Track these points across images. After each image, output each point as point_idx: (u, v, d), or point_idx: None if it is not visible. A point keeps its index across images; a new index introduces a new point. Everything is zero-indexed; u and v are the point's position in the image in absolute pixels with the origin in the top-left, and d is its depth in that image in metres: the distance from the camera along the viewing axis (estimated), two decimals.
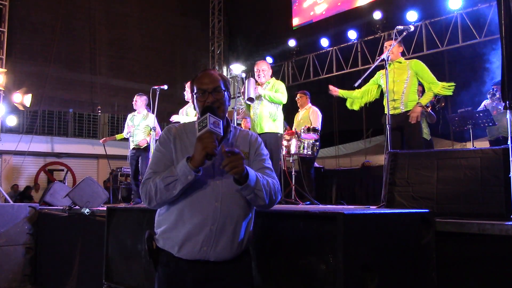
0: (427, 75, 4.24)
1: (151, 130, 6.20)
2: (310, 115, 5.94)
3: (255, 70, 4.86)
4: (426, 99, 4.26)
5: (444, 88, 4.20)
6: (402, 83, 4.24)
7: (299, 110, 6.22)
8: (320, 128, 5.70)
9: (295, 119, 6.24)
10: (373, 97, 4.54)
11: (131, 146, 6.24)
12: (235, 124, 5.22)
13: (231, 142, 1.88)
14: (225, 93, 1.87)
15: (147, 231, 1.90)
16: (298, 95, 6.24)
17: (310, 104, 6.15)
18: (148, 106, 6.48)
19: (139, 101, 6.32)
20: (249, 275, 1.91)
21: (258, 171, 1.83)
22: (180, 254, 1.77)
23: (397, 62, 4.32)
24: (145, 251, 1.88)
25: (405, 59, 4.35)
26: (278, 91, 4.71)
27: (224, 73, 14.18)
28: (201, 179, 1.74)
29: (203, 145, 1.65)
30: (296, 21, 11.25)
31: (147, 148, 6.20)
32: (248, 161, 1.88)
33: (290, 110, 5.24)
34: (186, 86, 5.55)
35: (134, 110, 6.41)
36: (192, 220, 1.75)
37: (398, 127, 4.18)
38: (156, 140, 5.63)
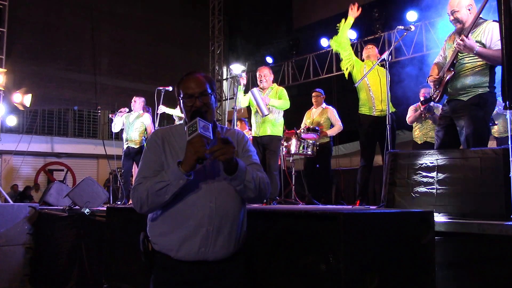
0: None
1: (145, 130, 6.25)
2: (329, 114, 5.96)
3: (257, 75, 5.13)
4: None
5: None
6: (385, 87, 4.25)
7: (312, 108, 6.21)
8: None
9: (307, 116, 6.22)
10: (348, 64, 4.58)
11: (125, 146, 6.26)
12: (235, 126, 5.30)
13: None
14: (212, 96, 1.88)
15: (141, 233, 1.90)
16: (314, 94, 6.24)
17: (325, 104, 6.16)
18: (147, 106, 6.51)
19: (138, 102, 6.36)
20: (245, 272, 1.94)
21: (247, 167, 1.87)
22: (178, 257, 1.77)
23: (373, 62, 4.43)
24: (141, 252, 1.88)
25: (381, 63, 4.32)
26: (281, 97, 4.92)
27: (224, 73, 14.18)
28: (194, 181, 1.75)
29: (194, 150, 1.67)
30: (296, 21, 11.24)
31: (141, 150, 6.23)
32: (237, 158, 1.90)
33: (291, 111, 5.32)
34: None
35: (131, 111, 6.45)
36: (188, 223, 1.76)
37: (378, 128, 4.30)
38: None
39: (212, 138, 1.73)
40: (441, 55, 3.54)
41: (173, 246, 1.77)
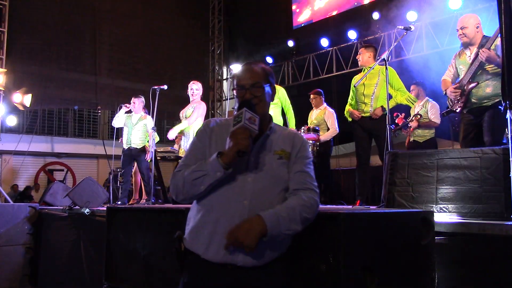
0: (396, 82, 4.43)
1: (147, 131, 6.23)
2: (325, 116, 5.93)
3: None
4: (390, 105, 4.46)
5: (408, 100, 4.49)
6: (372, 87, 4.44)
7: (313, 109, 6.20)
8: (338, 129, 5.87)
9: (309, 117, 6.22)
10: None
11: (126, 146, 6.25)
12: None
13: (271, 139, 1.77)
14: (266, 88, 1.77)
15: (177, 232, 1.78)
16: (311, 96, 6.21)
17: (325, 105, 6.12)
18: (145, 107, 6.50)
19: (137, 103, 6.34)
20: (283, 286, 1.74)
21: (296, 174, 1.73)
22: (207, 256, 1.64)
23: (368, 67, 4.47)
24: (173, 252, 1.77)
25: (380, 64, 4.32)
26: (286, 107, 5.11)
27: (224, 73, 14.17)
28: (232, 175, 1.64)
29: (235, 141, 1.57)
30: (296, 21, 11.25)
31: (144, 149, 6.22)
32: (288, 162, 1.75)
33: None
34: (189, 85, 5.66)
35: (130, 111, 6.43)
36: (218, 219, 1.63)
37: (367, 129, 4.46)
38: (155, 140, 5.65)
39: (257, 131, 1.62)
40: (450, 71, 3.76)
41: (202, 243, 1.65)
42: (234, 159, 1.58)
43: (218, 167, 1.59)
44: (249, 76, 1.75)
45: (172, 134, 5.52)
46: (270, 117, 1.82)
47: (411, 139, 5.67)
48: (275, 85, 1.86)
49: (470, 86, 3.48)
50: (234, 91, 1.79)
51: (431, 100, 5.67)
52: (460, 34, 3.56)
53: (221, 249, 1.60)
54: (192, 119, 5.49)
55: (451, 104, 3.66)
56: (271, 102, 1.83)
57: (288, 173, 1.73)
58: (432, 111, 5.51)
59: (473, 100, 3.51)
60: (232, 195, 1.64)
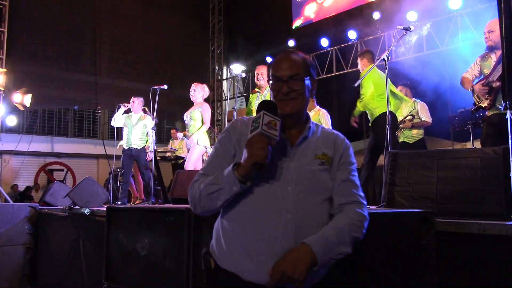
0: (364, 85, 4.49)
1: (146, 133, 6.24)
2: (321, 118, 5.92)
3: (255, 74, 5.17)
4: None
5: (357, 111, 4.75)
6: (367, 88, 4.55)
7: None
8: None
9: None
10: None
11: (126, 146, 6.25)
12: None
13: (311, 141, 1.55)
14: (307, 81, 1.52)
15: (203, 249, 1.57)
16: None
17: (318, 107, 6.11)
18: (145, 107, 6.50)
19: (137, 102, 6.35)
20: None
21: (341, 185, 1.52)
22: (245, 277, 1.41)
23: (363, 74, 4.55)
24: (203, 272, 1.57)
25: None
26: None
27: (224, 73, 14.16)
28: (267, 182, 1.43)
29: (250, 152, 1.35)
30: (296, 21, 11.25)
31: (144, 149, 6.23)
32: (331, 168, 1.53)
33: None
34: (192, 86, 5.67)
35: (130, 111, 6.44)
36: (257, 235, 1.41)
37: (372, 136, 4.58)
38: (155, 140, 5.65)
39: (278, 138, 1.37)
40: (473, 69, 3.78)
41: (238, 262, 1.42)
42: (251, 172, 1.37)
43: (234, 180, 1.38)
44: (287, 66, 1.50)
45: (196, 137, 5.55)
46: (308, 116, 1.59)
47: (401, 140, 5.65)
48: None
49: (499, 83, 3.41)
50: (269, 83, 1.55)
51: (418, 100, 5.66)
52: (487, 37, 3.60)
53: (264, 270, 1.37)
54: (207, 122, 5.62)
55: (478, 100, 3.63)
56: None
57: (331, 180, 1.53)
58: (422, 111, 5.52)
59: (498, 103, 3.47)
60: (271, 208, 1.42)
